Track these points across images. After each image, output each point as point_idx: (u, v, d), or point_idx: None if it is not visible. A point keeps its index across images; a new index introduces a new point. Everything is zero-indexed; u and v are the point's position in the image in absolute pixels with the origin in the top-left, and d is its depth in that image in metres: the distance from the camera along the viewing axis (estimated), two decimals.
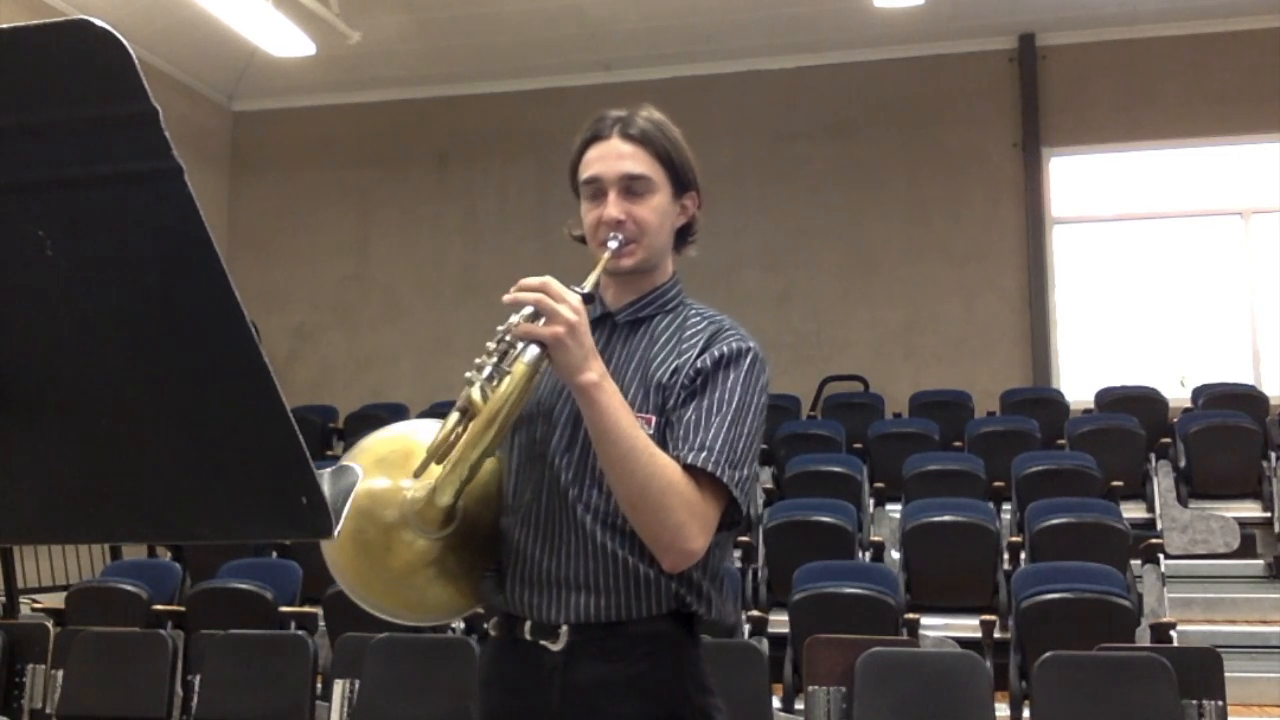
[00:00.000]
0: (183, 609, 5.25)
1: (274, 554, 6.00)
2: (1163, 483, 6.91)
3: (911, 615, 4.76)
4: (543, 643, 1.61)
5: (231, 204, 10.42)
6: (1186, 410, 7.78)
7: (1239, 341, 8.86)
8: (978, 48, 9.31)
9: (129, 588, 5.32)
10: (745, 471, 1.58)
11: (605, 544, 1.58)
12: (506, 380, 1.49)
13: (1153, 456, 7.08)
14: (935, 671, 3.88)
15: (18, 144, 0.77)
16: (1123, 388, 8.18)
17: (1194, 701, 3.72)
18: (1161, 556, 5.66)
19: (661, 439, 1.58)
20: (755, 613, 4.94)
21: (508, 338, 1.52)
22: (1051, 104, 9.19)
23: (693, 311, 1.74)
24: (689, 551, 1.53)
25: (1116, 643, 4.03)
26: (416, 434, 1.66)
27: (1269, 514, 6.81)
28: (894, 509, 6.74)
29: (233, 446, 0.83)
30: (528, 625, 1.62)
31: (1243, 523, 6.68)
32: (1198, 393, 8.12)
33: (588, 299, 1.56)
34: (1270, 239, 8.86)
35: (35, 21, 0.73)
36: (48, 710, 4.57)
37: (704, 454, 1.54)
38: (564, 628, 1.59)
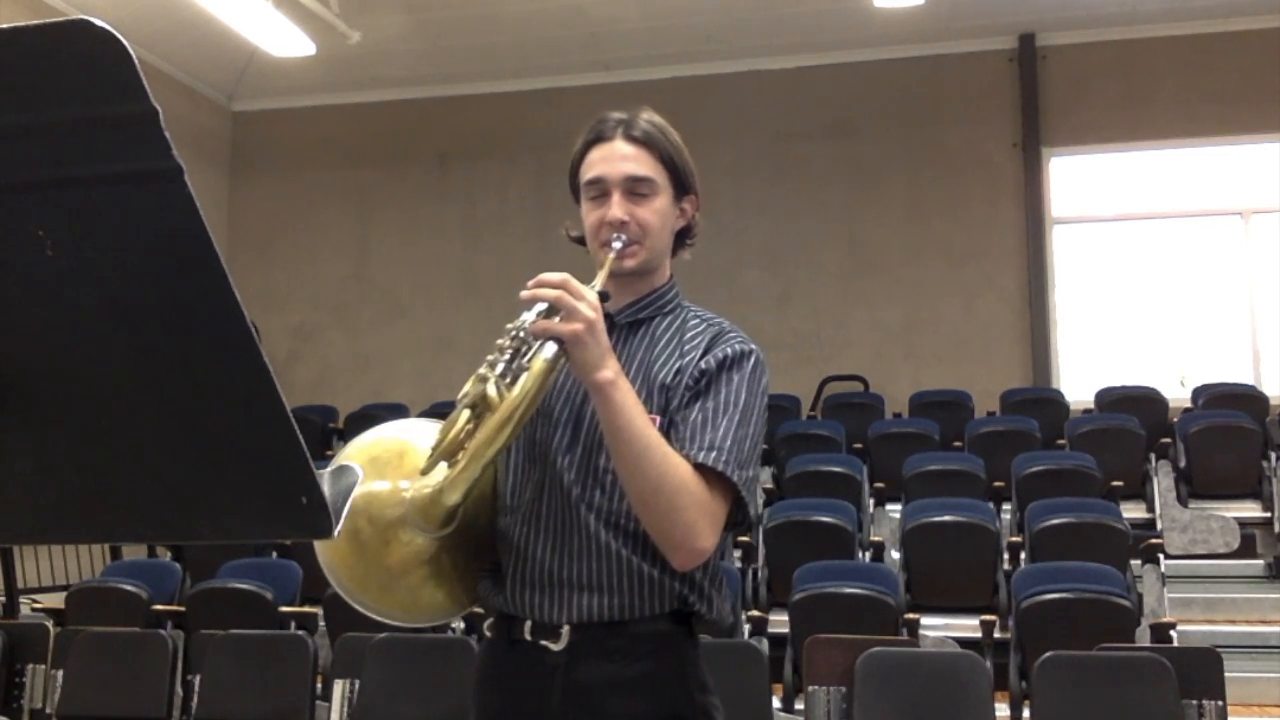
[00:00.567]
0: (183, 609, 5.25)
1: (274, 554, 6.01)
2: (1163, 483, 6.91)
3: (911, 615, 4.76)
4: (543, 643, 1.60)
5: (231, 204, 10.42)
6: (1186, 410, 7.78)
7: (1239, 341, 8.86)
8: (978, 48, 9.31)
9: (129, 588, 5.31)
10: (751, 472, 1.59)
11: (609, 544, 1.58)
12: (524, 377, 1.48)
13: (1153, 456, 7.08)
14: (935, 671, 3.88)
15: (18, 144, 0.77)
16: (1123, 388, 8.18)
17: (1194, 701, 3.72)
18: (1161, 556, 5.66)
19: (665, 439, 1.58)
20: (755, 613, 4.94)
21: (522, 334, 1.51)
22: (1051, 104, 9.19)
23: (692, 314, 1.74)
24: (699, 550, 1.54)
25: (1116, 643, 4.03)
26: (408, 434, 1.66)
27: (1269, 514, 6.81)
28: (894, 509, 6.74)
29: (233, 446, 0.83)
30: (528, 625, 1.62)
31: (1243, 523, 6.68)
32: (1198, 393, 8.12)
33: (604, 297, 1.56)
34: (1270, 239, 8.86)
35: (35, 21, 0.73)
36: (48, 710, 4.57)
37: (714, 453, 1.55)
38: (565, 627, 1.59)
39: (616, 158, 1.69)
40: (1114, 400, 8.02)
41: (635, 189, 1.68)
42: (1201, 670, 3.78)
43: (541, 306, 1.50)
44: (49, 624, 4.88)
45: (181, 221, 0.76)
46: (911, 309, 9.23)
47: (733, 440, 1.56)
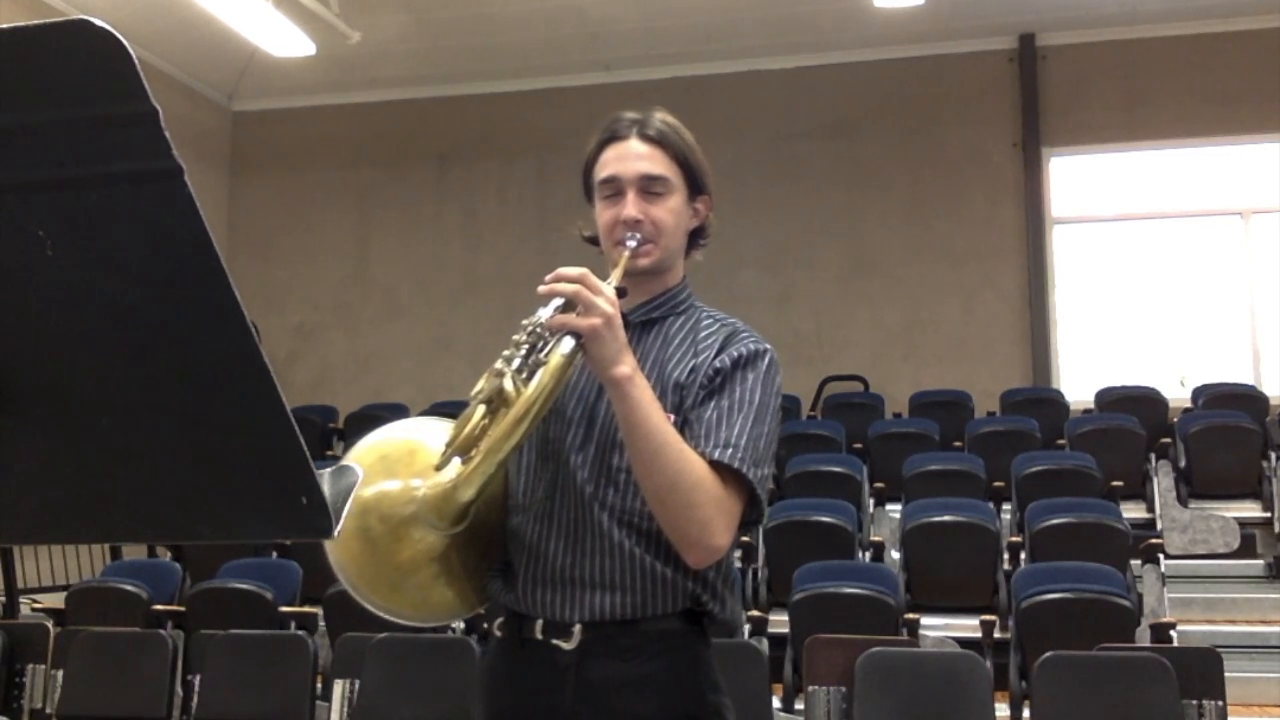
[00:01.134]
0: (183, 609, 5.25)
1: (274, 554, 6.00)
2: (1163, 483, 6.91)
3: (911, 615, 4.76)
4: (555, 641, 1.59)
5: (231, 204, 10.43)
6: (1186, 410, 7.78)
7: (1239, 341, 8.86)
8: (978, 48, 9.31)
9: (129, 588, 5.31)
10: (765, 470, 1.59)
11: (622, 542, 1.58)
12: (541, 371, 1.47)
13: (1153, 456, 7.08)
14: (935, 671, 3.88)
15: (18, 144, 0.77)
16: (1123, 388, 8.18)
17: (1194, 701, 3.72)
18: (1161, 556, 5.66)
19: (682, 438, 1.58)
20: (755, 613, 4.94)
21: (539, 329, 1.50)
22: (1051, 104, 9.19)
23: (705, 314, 1.75)
24: (715, 547, 1.53)
25: (1116, 643, 4.03)
26: (419, 432, 1.66)
27: (1269, 514, 6.81)
28: (894, 509, 6.74)
29: (233, 446, 0.83)
30: (539, 624, 1.61)
31: (1243, 523, 6.68)
32: (1198, 393, 8.12)
33: (621, 293, 1.56)
34: (1270, 239, 8.86)
35: (35, 21, 0.73)
36: (48, 710, 4.57)
37: (729, 450, 1.54)
38: (577, 626, 1.58)
39: (631, 157, 1.69)
40: (1114, 400, 8.02)
41: (650, 188, 1.68)
42: (1201, 670, 3.78)
43: (559, 301, 1.50)
44: (49, 624, 4.88)
45: (181, 221, 0.76)
46: (911, 309, 9.23)
47: (748, 438, 1.56)
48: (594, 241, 1.75)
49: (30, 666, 4.65)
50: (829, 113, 9.49)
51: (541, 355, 1.49)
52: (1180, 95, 8.94)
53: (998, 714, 3.89)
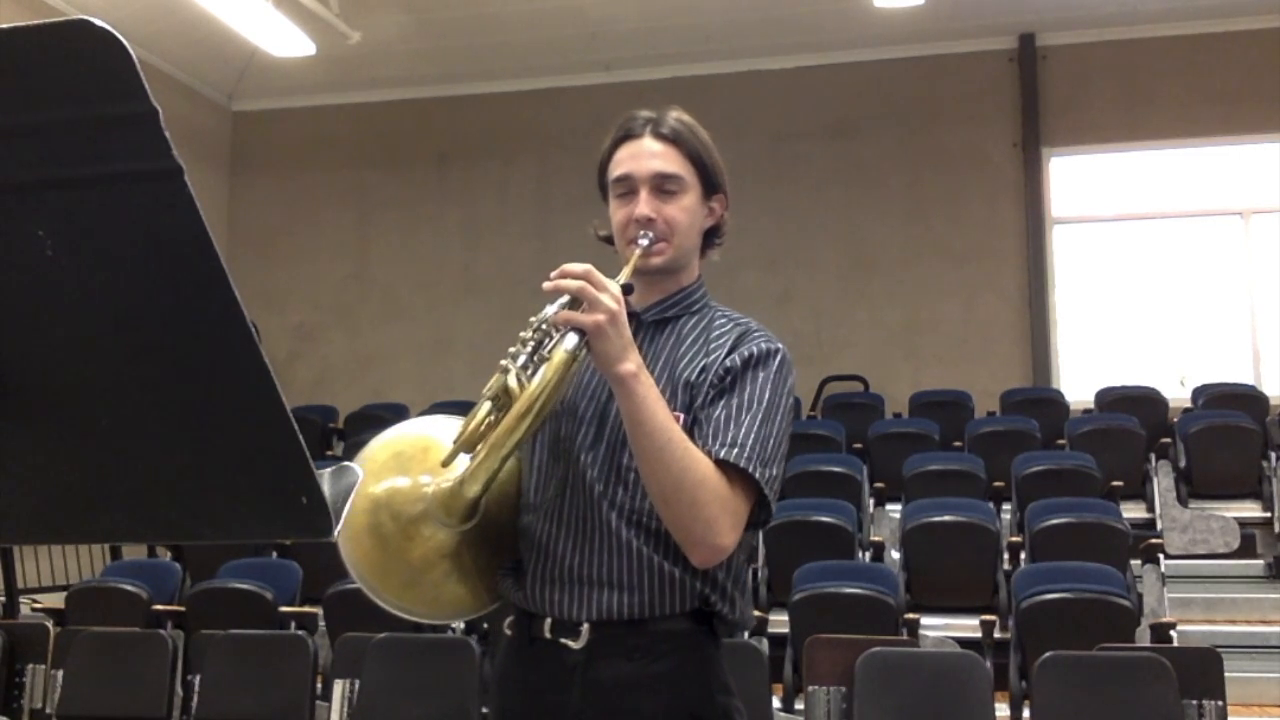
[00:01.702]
0: (183, 609, 5.25)
1: (274, 554, 6.00)
2: (1163, 483, 6.91)
3: (911, 615, 4.77)
4: (563, 640, 1.59)
5: (231, 204, 10.42)
6: (1186, 410, 7.78)
7: (1239, 341, 8.86)
8: (978, 48, 9.31)
9: (129, 588, 5.31)
10: (775, 470, 1.57)
11: (630, 541, 1.58)
12: (545, 367, 1.47)
13: (1153, 456, 7.08)
14: (935, 671, 3.88)
15: (18, 144, 0.77)
16: (1123, 388, 8.18)
17: (1194, 701, 3.72)
18: (1161, 556, 5.66)
19: (689, 437, 1.57)
20: (755, 612, 4.93)
21: (545, 325, 1.51)
22: (1051, 104, 9.19)
23: (719, 313, 1.74)
24: (720, 547, 1.52)
25: (1116, 643, 4.03)
26: (432, 429, 1.66)
27: (1269, 514, 6.81)
28: (894, 509, 6.74)
29: (233, 446, 0.83)
30: (547, 623, 1.61)
31: (1243, 523, 6.68)
32: (1198, 393, 8.12)
33: (627, 290, 1.56)
34: (1270, 239, 8.86)
35: (35, 21, 0.73)
36: (48, 710, 4.57)
37: (736, 449, 1.53)
38: (585, 625, 1.58)
39: (644, 155, 1.68)
40: (1114, 400, 8.02)
41: (663, 186, 1.67)
42: (1201, 670, 3.78)
43: (566, 298, 1.50)
44: (49, 624, 4.88)
45: (181, 221, 0.76)
46: (911, 309, 9.23)
47: (755, 437, 1.55)
48: (611, 241, 1.74)
49: (30, 666, 4.65)
50: (829, 113, 9.49)
51: (545, 351, 1.49)
52: (1180, 95, 8.94)
53: (998, 714, 3.89)
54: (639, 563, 1.57)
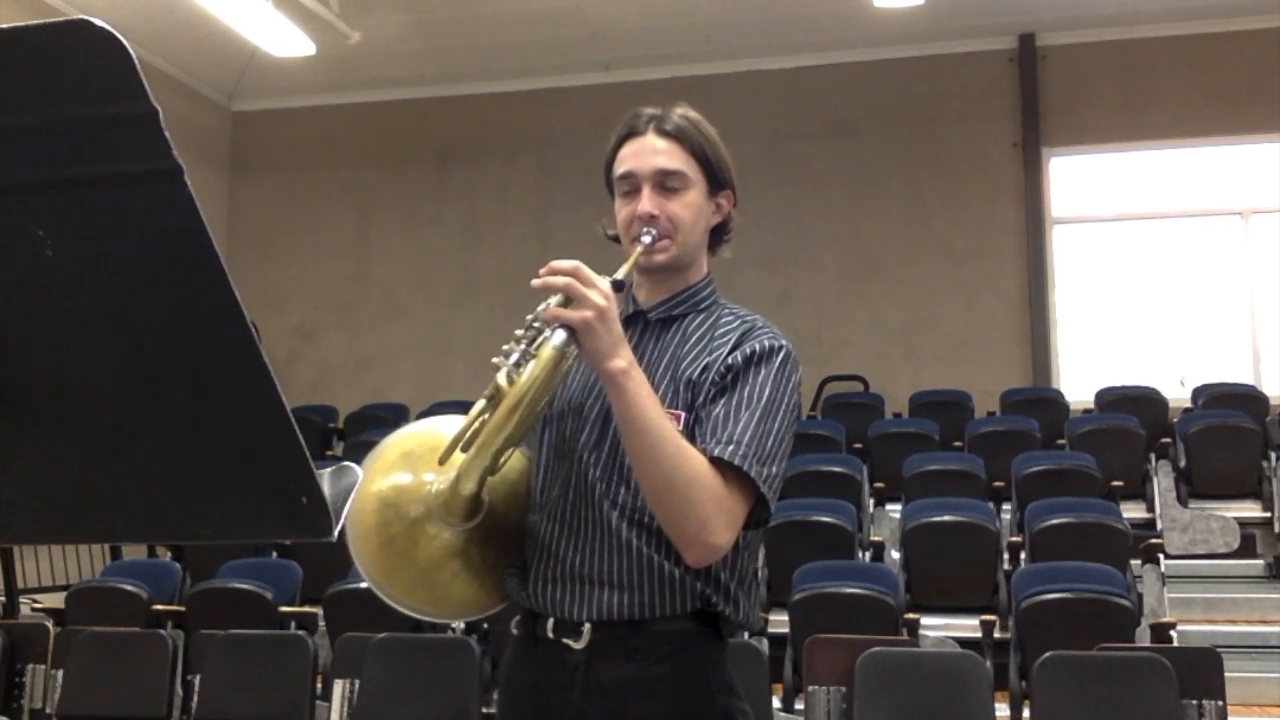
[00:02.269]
0: (183, 609, 5.25)
1: (274, 554, 6.00)
2: (1163, 483, 6.91)
3: (911, 615, 4.76)
4: (565, 640, 1.59)
5: (231, 204, 10.42)
6: (1186, 410, 7.78)
7: (1239, 341, 8.86)
8: (978, 48, 9.31)
9: (129, 588, 5.32)
10: (774, 469, 1.55)
11: (631, 541, 1.57)
12: (532, 364, 1.47)
13: (1153, 456, 7.08)
14: (935, 671, 3.88)
15: (18, 144, 0.77)
16: (1123, 388, 8.18)
17: (1194, 701, 3.72)
18: (1161, 556, 5.66)
19: (691, 436, 1.57)
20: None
21: (536, 324, 1.50)
22: (1051, 104, 9.19)
23: (726, 311, 1.73)
24: (713, 545, 1.50)
25: (1116, 643, 4.03)
26: (442, 428, 1.66)
27: (1269, 514, 6.81)
28: (894, 509, 6.74)
29: (233, 446, 0.83)
30: (550, 623, 1.61)
31: (1243, 523, 6.67)
32: (1198, 393, 8.12)
33: (618, 286, 1.54)
34: (1270, 239, 8.86)
35: (35, 21, 0.73)
36: (48, 710, 4.58)
37: (731, 447, 1.52)
38: (586, 625, 1.58)
39: (647, 152, 1.68)
40: (1114, 400, 8.01)
41: (666, 183, 1.66)
42: (1201, 670, 3.78)
43: (560, 295, 1.49)
44: (49, 624, 4.89)
45: (181, 221, 0.76)
46: (911, 309, 9.23)
47: (752, 436, 1.54)
48: (618, 240, 1.73)
49: (30, 666, 4.65)
50: (829, 113, 9.49)
51: (532, 348, 1.49)
52: (1180, 95, 8.94)
53: (998, 714, 3.88)
54: (639, 563, 1.57)
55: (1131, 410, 7.61)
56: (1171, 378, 8.67)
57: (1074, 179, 9.35)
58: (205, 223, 0.76)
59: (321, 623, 5.04)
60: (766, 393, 1.58)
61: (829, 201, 9.44)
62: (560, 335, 1.47)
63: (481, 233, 10.04)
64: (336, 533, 0.84)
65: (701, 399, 1.60)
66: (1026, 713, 4.05)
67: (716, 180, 1.71)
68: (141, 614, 5.14)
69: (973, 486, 6.43)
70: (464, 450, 1.52)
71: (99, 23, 0.72)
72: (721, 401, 1.58)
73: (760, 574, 5.82)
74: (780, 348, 1.63)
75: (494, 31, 9.25)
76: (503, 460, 1.55)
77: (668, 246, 1.67)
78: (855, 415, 8.18)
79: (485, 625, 4.70)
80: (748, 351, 1.62)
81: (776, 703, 4.44)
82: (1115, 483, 6.32)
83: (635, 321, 1.73)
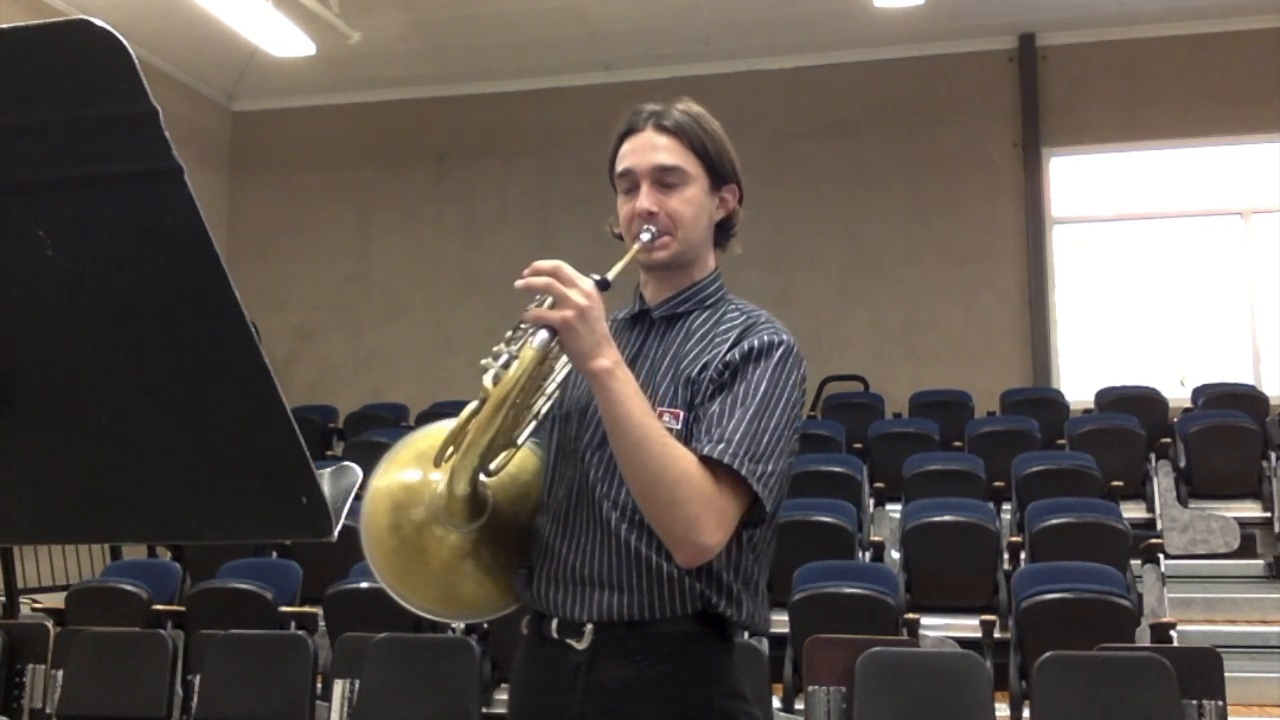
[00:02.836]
0: (183, 609, 5.25)
1: (274, 554, 6.00)
2: (1163, 483, 6.91)
3: (911, 615, 4.76)
4: (568, 641, 1.59)
5: (231, 204, 10.42)
6: (1186, 410, 7.77)
7: (1239, 341, 8.86)
8: (978, 48, 9.31)
9: (129, 588, 5.31)
10: (770, 466, 1.53)
11: (629, 541, 1.56)
12: (514, 364, 1.46)
13: (1153, 456, 7.07)
14: (935, 671, 3.88)
15: (18, 144, 0.77)
16: (1123, 388, 8.17)
17: (1194, 701, 3.72)
18: (1161, 556, 5.65)
19: (690, 435, 1.56)
20: None
21: (523, 325, 1.50)
22: (1051, 104, 9.18)
23: (732, 307, 1.71)
24: (702, 546, 1.48)
25: (1116, 643, 4.03)
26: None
27: (1269, 514, 6.81)
28: (894, 509, 6.74)
29: (233, 446, 0.83)
30: (554, 623, 1.61)
31: (1243, 523, 6.67)
32: (1198, 393, 8.11)
33: (603, 285, 1.53)
34: (1270, 239, 8.86)
35: (35, 21, 0.73)
36: (48, 710, 4.58)
37: (721, 446, 1.50)
38: (589, 626, 1.58)
39: (646, 148, 1.66)
40: (1114, 400, 8.01)
41: (664, 179, 1.65)
42: (1201, 670, 3.78)
43: (548, 297, 1.49)
44: (49, 624, 4.89)
45: (181, 221, 0.76)
46: (911, 309, 9.23)
47: (744, 433, 1.52)
48: (623, 239, 1.72)
49: (30, 666, 4.65)
50: (829, 113, 9.49)
51: (516, 350, 1.48)
52: (1180, 95, 8.94)
53: (998, 714, 3.89)
54: (637, 563, 1.56)
55: (1131, 410, 7.61)
56: (1171, 378, 8.67)
57: (1074, 179, 9.34)
58: (205, 223, 0.76)
59: (321, 623, 5.04)
60: (762, 389, 1.56)
61: (829, 201, 9.44)
62: (542, 336, 1.46)
63: (481, 233, 10.03)
64: (337, 533, 0.84)
65: (700, 397, 1.59)
66: (1026, 713, 4.05)
67: (719, 175, 1.69)
68: (141, 614, 5.14)
69: (973, 486, 6.43)
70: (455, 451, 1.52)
71: (99, 23, 0.72)
72: (717, 400, 1.56)
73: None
74: (780, 343, 1.61)
75: (494, 31, 9.25)
76: (496, 461, 1.55)
77: (668, 243, 1.65)
78: (855, 415, 8.18)
79: (485, 625, 4.70)
80: (746, 348, 1.60)
81: (776, 703, 4.44)
82: (1115, 483, 6.31)
83: (641, 320, 1.72)
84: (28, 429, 0.85)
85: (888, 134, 9.42)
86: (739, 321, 1.66)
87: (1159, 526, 6.66)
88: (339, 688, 4.31)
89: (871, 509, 6.84)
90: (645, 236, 1.63)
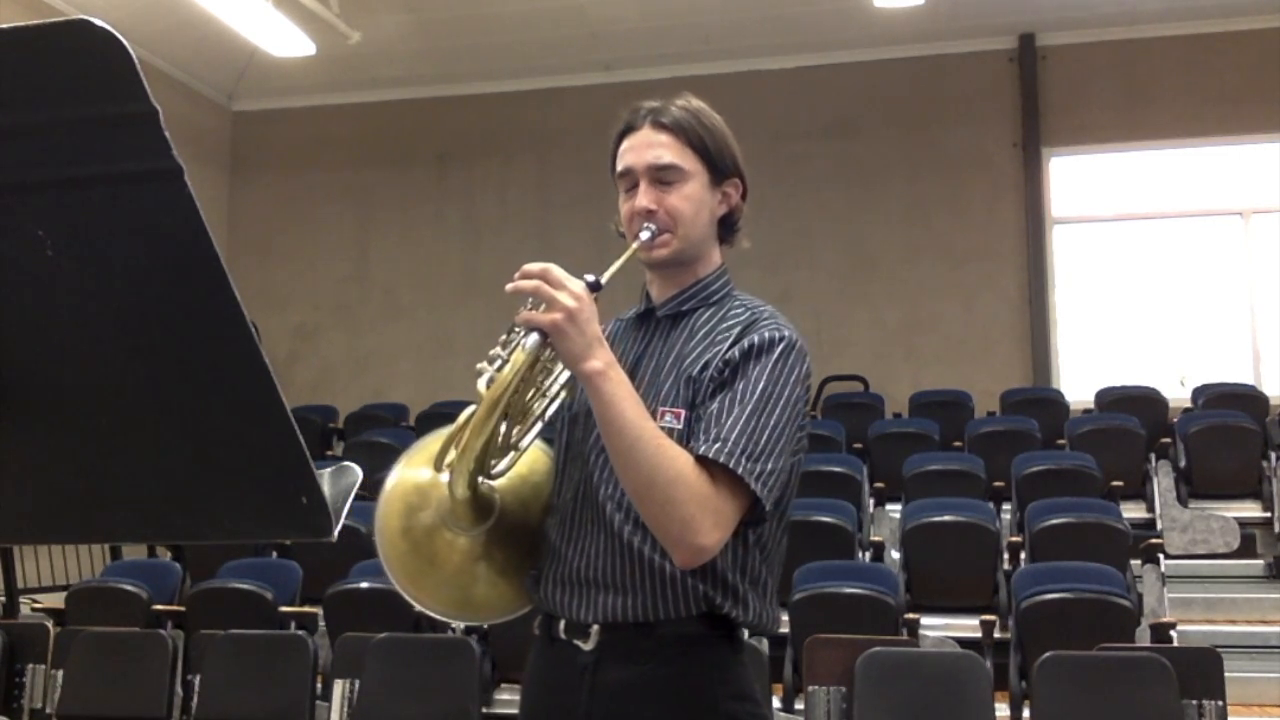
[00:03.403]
0: (183, 609, 5.25)
1: (274, 554, 6.00)
2: (1163, 483, 6.91)
3: (911, 615, 4.76)
4: (575, 642, 1.59)
5: (231, 204, 10.42)
6: (1186, 410, 7.77)
7: (1239, 341, 8.86)
8: (978, 48, 9.31)
9: (129, 588, 5.31)
10: (769, 464, 1.51)
11: (633, 543, 1.55)
12: (506, 368, 1.46)
13: (1153, 456, 7.07)
14: (935, 671, 3.88)
15: (18, 144, 0.77)
16: (1123, 388, 8.17)
17: (1194, 701, 3.72)
18: (1161, 556, 5.65)
19: (691, 434, 1.55)
20: None
21: (515, 328, 1.49)
22: (1051, 104, 9.18)
23: (737, 303, 1.69)
24: (699, 546, 1.46)
25: (1116, 643, 4.03)
26: None
27: (1269, 514, 6.81)
28: (894, 509, 6.74)
29: (233, 446, 0.83)
30: (562, 624, 1.61)
31: (1243, 523, 6.67)
32: (1198, 393, 8.11)
33: (595, 286, 1.51)
34: (1270, 239, 8.86)
35: (35, 21, 0.73)
36: (48, 710, 4.57)
37: (718, 445, 1.49)
38: (595, 627, 1.58)
39: (643, 146, 1.66)
40: (1114, 400, 8.01)
41: (662, 177, 1.64)
42: (1201, 670, 3.78)
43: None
44: (49, 624, 4.89)
45: (181, 222, 0.76)
46: (911, 309, 9.23)
47: (742, 431, 1.50)
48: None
49: (30, 666, 4.65)
50: (829, 113, 9.49)
51: (507, 353, 1.48)
52: (1180, 95, 8.94)
53: (998, 714, 3.89)
54: (639, 564, 1.55)
55: (1131, 410, 7.61)
56: (1171, 378, 8.67)
57: (1074, 179, 9.34)
58: (205, 223, 0.76)
59: (321, 623, 5.04)
60: (761, 386, 1.55)
61: (829, 201, 9.44)
62: (532, 339, 1.45)
63: (481, 233, 10.03)
64: (337, 532, 0.84)
65: (700, 396, 1.58)
66: (1026, 713, 4.05)
67: (719, 170, 1.68)
68: (141, 614, 5.14)
69: (973, 486, 6.43)
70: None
71: (99, 23, 0.72)
72: (717, 399, 1.55)
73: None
74: (782, 339, 1.59)
75: (494, 31, 9.25)
76: (500, 465, 1.54)
77: (668, 241, 1.64)
78: (855, 415, 8.18)
79: (485, 625, 4.70)
80: (746, 345, 1.58)
81: (776, 703, 4.44)
82: (1115, 483, 6.31)
83: (646, 319, 1.72)
84: (28, 429, 0.85)
85: (888, 134, 9.42)
86: (742, 318, 1.65)
87: (1159, 526, 6.66)
88: (339, 688, 4.31)
89: (871, 509, 6.84)
90: (645, 235, 1.63)
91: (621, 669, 1.56)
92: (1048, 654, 3.80)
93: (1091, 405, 8.12)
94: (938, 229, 9.25)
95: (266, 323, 9.60)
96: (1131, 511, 6.50)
